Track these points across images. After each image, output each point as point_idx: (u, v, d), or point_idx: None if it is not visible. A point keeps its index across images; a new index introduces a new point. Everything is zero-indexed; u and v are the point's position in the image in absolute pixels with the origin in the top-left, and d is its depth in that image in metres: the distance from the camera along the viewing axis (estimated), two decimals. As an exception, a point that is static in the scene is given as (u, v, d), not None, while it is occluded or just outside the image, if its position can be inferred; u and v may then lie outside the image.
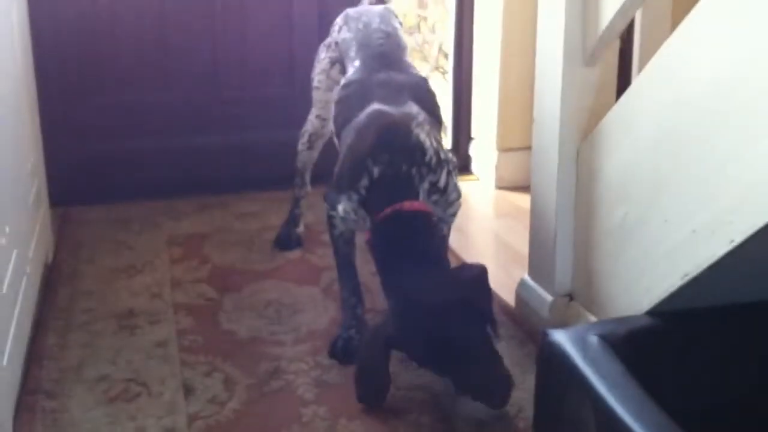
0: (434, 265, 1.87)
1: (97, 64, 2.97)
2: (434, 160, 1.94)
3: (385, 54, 2.21)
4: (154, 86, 3.04)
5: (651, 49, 1.73)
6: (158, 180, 3.07)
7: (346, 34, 2.33)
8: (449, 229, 2.14)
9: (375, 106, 2.01)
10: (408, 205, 1.88)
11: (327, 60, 2.41)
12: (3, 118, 1.98)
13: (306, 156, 2.57)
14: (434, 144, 1.95)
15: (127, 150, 3.05)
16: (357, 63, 2.21)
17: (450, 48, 3.37)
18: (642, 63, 2.09)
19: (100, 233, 2.76)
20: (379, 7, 2.43)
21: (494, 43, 3.11)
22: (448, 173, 1.97)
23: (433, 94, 2.18)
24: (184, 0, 2.98)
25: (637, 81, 1.75)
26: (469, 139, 3.35)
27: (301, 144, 2.56)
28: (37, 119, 2.59)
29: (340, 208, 1.97)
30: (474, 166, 3.34)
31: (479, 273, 1.88)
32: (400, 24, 2.43)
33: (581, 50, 1.90)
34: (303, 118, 2.55)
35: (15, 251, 1.93)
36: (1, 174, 1.88)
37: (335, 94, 2.24)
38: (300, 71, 2.57)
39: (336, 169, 2.03)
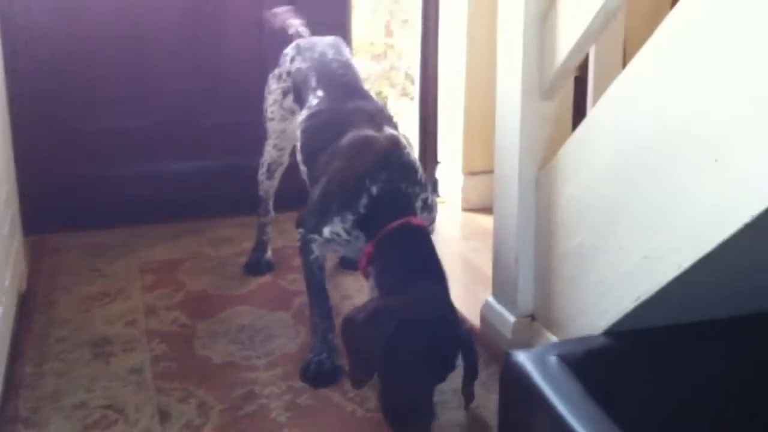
0: (442, 278, 1.92)
1: (71, 92, 2.99)
2: (423, 178, 2.04)
3: (349, 83, 2.28)
4: (128, 113, 3.07)
5: (605, 83, 1.80)
6: (132, 206, 3.09)
7: (300, 64, 2.38)
8: None
9: (356, 131, 2.06)
10: (414, 219, 1.94)
11: (279, 90, 2.47)
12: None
13: (267, 185, 2.63)
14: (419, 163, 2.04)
15: (100, 176, 3.07)
16: (320, 93, 2.26)
17: (416, 74, 3.46)
18: (596, 96, 2.17)
19: (74, 261, 2.79)
20: (330, 38, 2.49)
21: (459, 70, 3.20)
22: (431, 190, 2.07)
23: (392, 119, 2.25)
24: (160, 27, 3.02)
25: (592, 114, 1.82)
26: (435, 162, 3.43)
27: (261, 174, 2.61)
28: (10, 147, 2.60)
29: (327, 230, 2.00)
30: (440, 189, 3.42)
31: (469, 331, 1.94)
32: (351, 53, 2.50)
33: (538, 85, 1.98)
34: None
35: (-8, 283, 1.95)
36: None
37: (301, 124, 2.27)
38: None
39: (316, 193, 2.06)
